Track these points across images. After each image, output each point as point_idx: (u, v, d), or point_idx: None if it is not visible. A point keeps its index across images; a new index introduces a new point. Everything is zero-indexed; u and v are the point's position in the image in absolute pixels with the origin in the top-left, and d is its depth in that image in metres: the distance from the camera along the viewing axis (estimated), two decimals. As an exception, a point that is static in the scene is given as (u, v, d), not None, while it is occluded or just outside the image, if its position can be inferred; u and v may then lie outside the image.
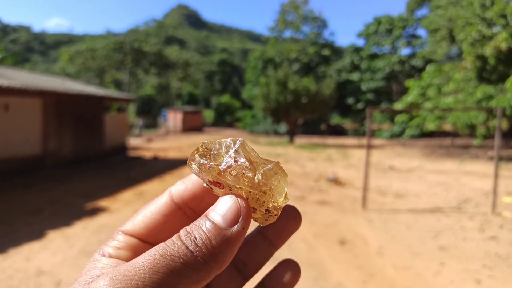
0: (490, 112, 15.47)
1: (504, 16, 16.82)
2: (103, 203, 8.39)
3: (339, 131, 38.74)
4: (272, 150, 21.53)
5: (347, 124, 43.56)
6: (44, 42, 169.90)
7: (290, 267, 0.48)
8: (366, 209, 8.22)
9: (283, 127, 35.29)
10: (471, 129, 18.03)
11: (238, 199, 0.40)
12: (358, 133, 35.41)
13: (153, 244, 0.41)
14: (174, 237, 0.37)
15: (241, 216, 0.38)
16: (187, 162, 0.42)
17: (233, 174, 0.40)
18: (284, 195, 0.42)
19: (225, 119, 52.47)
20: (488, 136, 16.46)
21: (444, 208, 8.45)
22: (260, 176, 0.40)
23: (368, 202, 8.51)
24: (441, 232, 6.72)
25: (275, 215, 0.42)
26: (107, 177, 11.82)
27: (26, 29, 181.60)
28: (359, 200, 8.68)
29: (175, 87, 57.68)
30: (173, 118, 40.06)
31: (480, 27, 17.22)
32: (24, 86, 10.63)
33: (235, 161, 0.40)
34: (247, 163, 0.40)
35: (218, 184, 0.40)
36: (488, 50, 16.46)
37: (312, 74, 36.89)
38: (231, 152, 0.41)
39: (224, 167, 0.40)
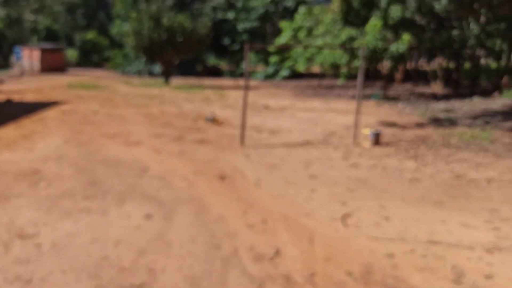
0: (352, 53, 16.83)
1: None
2: None
3: (215, 72, 38.54)
4: (146, 91, 20.46)
5: (223, 65, 43.51)
6: None
7: None
8: (244, 145, 8.43)
9: (157, 67, 33.58)
10: (336, 70, 19.53)
11: None
12: (234, 74, 35.68)
13: None
14: None
15: None
16: None
17: None
18: None
19: (92, 58, 47.46)
20: (350, 76, 18.02)
21: (313, 141, 9.15)
22: None
23: (245, 139, 8.72)
24: (311, 162, 7.27)
25: None
26: None
27: None
28: (237, 138, 8.84)
29: (29, 21, 49.81)
30: (29, 56, 34.94)
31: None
32: None
33: None
34: None
35: None
36: (351, -7, 17.57)
37: (187, 11, 35.24)
38: None
39: None
